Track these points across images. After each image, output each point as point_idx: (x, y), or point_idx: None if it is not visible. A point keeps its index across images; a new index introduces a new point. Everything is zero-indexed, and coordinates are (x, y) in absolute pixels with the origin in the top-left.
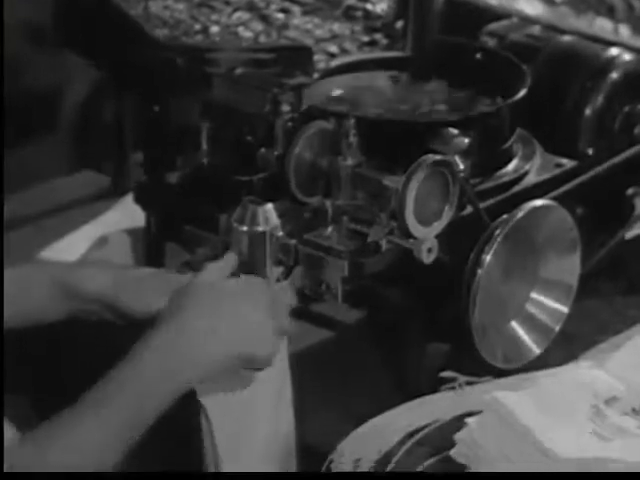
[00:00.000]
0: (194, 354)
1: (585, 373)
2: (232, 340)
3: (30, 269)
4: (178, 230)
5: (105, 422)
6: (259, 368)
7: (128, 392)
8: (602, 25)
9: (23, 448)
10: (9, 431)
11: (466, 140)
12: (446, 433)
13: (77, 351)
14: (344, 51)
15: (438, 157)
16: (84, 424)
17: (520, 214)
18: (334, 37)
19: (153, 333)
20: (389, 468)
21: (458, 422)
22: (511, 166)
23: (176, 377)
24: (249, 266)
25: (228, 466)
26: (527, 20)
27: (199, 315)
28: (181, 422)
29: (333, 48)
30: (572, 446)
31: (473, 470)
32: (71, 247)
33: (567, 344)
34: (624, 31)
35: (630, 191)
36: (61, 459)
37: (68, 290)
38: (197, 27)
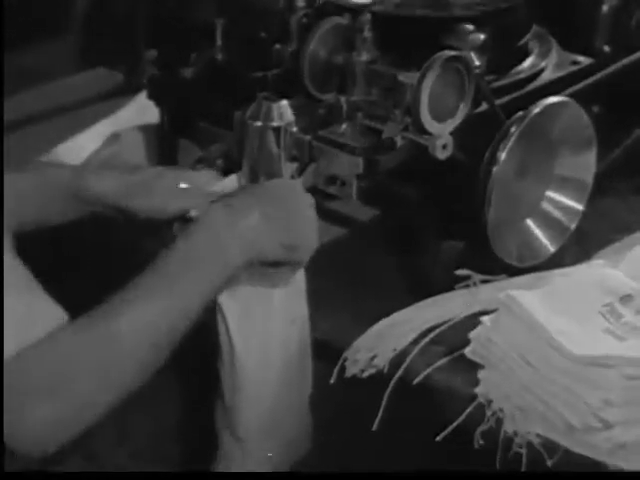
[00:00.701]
0: (248, 237)
1: (599, 271)
2: (283, 229)
3: (39, 172)
4: (192, 126)
5: (164, 295)
6: (289, 266)
7: (187, 267)
8: None
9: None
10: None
11: (482, 36)
12: (460, 332)
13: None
14: None
15: (453, 53)
16: (148, 297)
17: (536, 111)
18: None
19: (211, 216)
20: (403, 366)
21: (472, 320)
22: (527, 63)
23: (229, 258)
24: (263, 163)
25: (244, 364)
26: None
27: (253, 204)
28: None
29: None
30: (586, 344)
31: (487, 368)
32: (84, 144)
33: (582, 243)
34: None
35: None
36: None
37: (76, 193)
38: None
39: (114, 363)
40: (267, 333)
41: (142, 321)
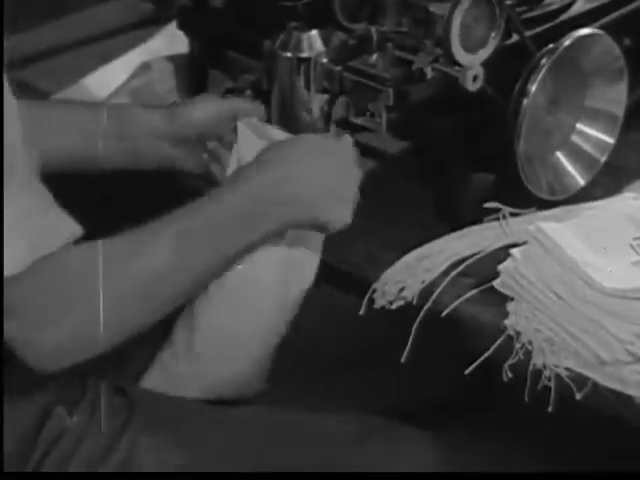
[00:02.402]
0: (279, 205)
1: (630, 204)
2: (316, 204)
3: (71, 108)
4: (221, 56)
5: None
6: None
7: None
8: None
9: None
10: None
11: None
12: (490, 264)
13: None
14: None
15: None
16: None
17: (567, 43)
18: None
19: (244, 175)
20: (432, 298)
21: (502, 253)
22: None
23: (257, 224)
24: (293, 93)
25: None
26: None
27: (290, 169)
28: None
29: None
30: (616, 277)
31: (516, 301)
32: (113, 74)
33: (612, 176)
34: None
35: None
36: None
37: (122, 128)
38: None
39: (139, 287)
40: (260, 269)
41: (180, 255)
